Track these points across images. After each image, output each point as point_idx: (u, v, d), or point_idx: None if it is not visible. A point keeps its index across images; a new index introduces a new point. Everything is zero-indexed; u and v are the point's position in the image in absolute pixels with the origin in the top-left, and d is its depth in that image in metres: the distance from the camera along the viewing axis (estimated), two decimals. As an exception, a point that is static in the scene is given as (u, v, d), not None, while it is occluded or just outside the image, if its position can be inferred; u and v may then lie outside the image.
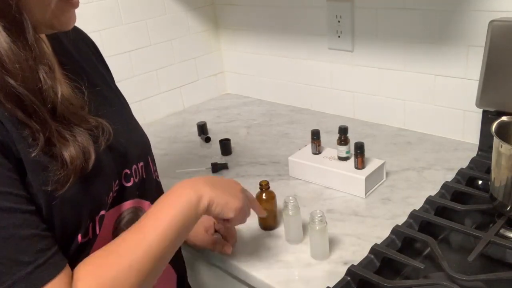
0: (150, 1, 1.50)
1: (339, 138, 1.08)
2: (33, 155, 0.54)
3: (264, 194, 0.94)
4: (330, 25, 1.37)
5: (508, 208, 0.84)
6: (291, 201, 0.88)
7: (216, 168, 1.21)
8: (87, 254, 0.63)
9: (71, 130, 0.59)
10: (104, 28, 1.40)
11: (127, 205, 0.72)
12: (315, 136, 1.13)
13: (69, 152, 0.56)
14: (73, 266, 0.59)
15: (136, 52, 1.50)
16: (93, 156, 0.60)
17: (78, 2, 0.61)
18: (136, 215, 0.74)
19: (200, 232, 0.91)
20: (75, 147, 0.57)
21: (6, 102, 0.53)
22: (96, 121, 0.63)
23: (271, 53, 1.59)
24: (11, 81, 0.52)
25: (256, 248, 0.92)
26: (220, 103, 1.73)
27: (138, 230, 0.63)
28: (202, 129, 1.44)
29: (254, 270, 0.86)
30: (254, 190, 0.97)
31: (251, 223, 0.98)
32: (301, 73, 1.53)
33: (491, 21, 1.00)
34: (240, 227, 0.97)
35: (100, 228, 0.65)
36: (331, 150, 1.14)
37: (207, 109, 1.69)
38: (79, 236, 0.61)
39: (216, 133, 1.45)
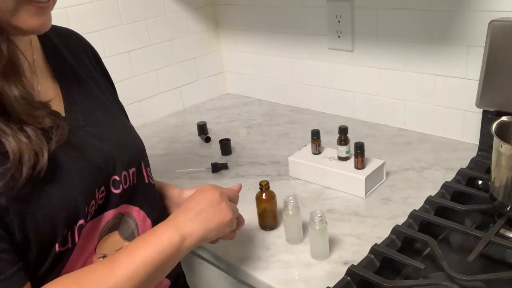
0: (150, 1, 1.50)
1: (339, 138, 1.08)
2: None
3: (264, 194, 0.94)
4: (330, 25, 1.37)
5: (508, 208, 0.84)
6: (291, 201, 0.88)
7: (216, 168, 1.21)
8: (65, 262, 0.62)
9: (20, 127, 0.58)
10: (104, 28, 1.40)
11: (112, 213, 0.71)
12: (315, 136, 1.13)
13: (11, 145, 0.55)
14: (52, 276, 0.59)
15: (136, 52, 1.50)
16: (45, 154, 0.58)
17: (48, 6, 0.60)
18: (125, 221, 0.73)
19: None
20: (17, 141, 0.56)
21: None
22: (53, 121, 0.62)
23: (271, 53, 1.59)
24: None
25: (256, 248, 0.92)
26: (220, 103, 1.73)
27: (110, 264, 0.61)
28: (202, 129, 1.44)
29: (254, 270, 0.86)
30: (254, 190, 0.97)
31: (251, 223, 0.98)
32: (301, 73, 1.53)
33: (491, 21, 1.00)
34: (240, 227, 0.97)
35: (79, 238, 0.64)
36: (331, 150, 1.14)
37: (207, 109, 1.69)
38: (57, 245, 0.60)
39: (216, 133, 1.45)
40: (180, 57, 1.64)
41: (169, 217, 0.70)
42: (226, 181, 1.17)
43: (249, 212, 1.01)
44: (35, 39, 0.70)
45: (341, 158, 1.09)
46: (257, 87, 1.71)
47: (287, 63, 1.56)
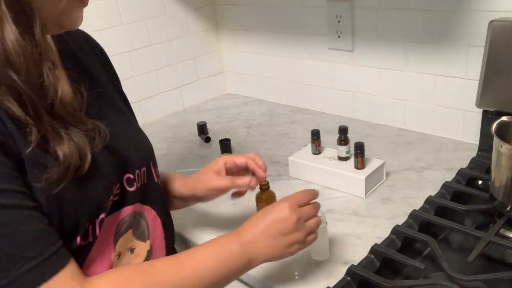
0: (150, 1, 1.50)
1: (339, 138, 1.08)
2: (28, 150, 0.54)
3: (264, 194, 0.94)
4: (330, 25, 1.37)
5: (508, 208, 0.84)
6: (291, 201, 0.88)
7: (216, 168, 1.21)
8: (86, 257, 0.63)
9: (67, 130, 0.58)
10: (104, 28, 1.40)
11: (129, 209, 0.71)
12: (315, 136, 1.13)
13: (63, 150, 0.56)
14: None
15: (136, 52, 1.50)
16: (89, 157, 0.59)
17: (88, 1, 0.61)
18: (137, 220, 0.73)
19: (212, 178, 0.87)
20: (70, 146, 0.57)
21: (4, 96, 0.53)
22: (93, 123, 0.63)
23: (271, 53, 1.59)
24: (13, 75, 0.52)
25: (256, 248, 0.92)
26: (220, 103, 1.73)
27: (179, 264, 0.65)
28: (202, 129, 1.44)
29: (254, 270, 0.86)
30: (254, 190, 0.97)
31: (251, 223, 0.98)
32: (301, 73, 1.53)
33: (491, 21, 1.00)
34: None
35: (100, 231, 0.65)
36: (331, 150, 1.14)
37: (207, 109, 1.69)
38: (78, 238, 0.61)
39: (216, 133, 1.45)
40: (180, 57, 1.64)
41: (241, 233, 0.71)
42: (226, 181, 1.17)
43: (249, 212, 1.01)
44: (49, 38, 0.69)
45: (341, 158, 1.09)
46: (257, 87, 1.71)
47: (287, 63, 1.56)
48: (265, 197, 0.94)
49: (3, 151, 0.53)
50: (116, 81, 0.85)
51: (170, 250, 0.83)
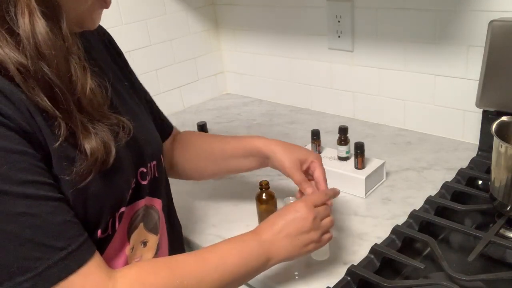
0: (150, 1, 1.50)
1: (339, 138, 1.08)
2: (56, 144, 0.55)
3: (264, 194, 0.94)
4: (330, 25, 1.37)
5: (508, 208, 0.84)
6: (291, 201, 0.88)
7: (216, 168, 1.21)
8: (104, 250, 0.64)
9: (93, 124, 0.59)
10: (104, 28, 1.40)
11: (141, 203, 0.72)
12: (315, 136, 1.13)
13: (90, 145, 0.57)
14: None
15: (136, 52, 1.50)
16: (113, 151, 0.60)
17: (110, 2, 0.62)
18: (149, 213, 0.74)
19: (289, 165, 0.85)
20: (96, 140, 0.58)
21: (35, 88, 0.53)
22: (117, 118, 0.63)
23: (271, 53, 1.59)
24: (45, 67, 0.53)
25: (256, 248, 0.92)
26: (220, 103, 1.73)
27: (201, 260, 0.66)
28: (202, 129, 1.44)
29: (254, 270, 0.86)
30: (254, 190, 0.97)
31: (251, 223, 0.98)
32: (301, 73, 1.53)
33: (491, 21, 1.00)
34: (239, 228, 0.97)
35: (119, 224, 0.66)
36: (331, 150, 1.14)
37: (207, 109, 1.69)
38: (99, 232, 0.62)
39: (216, 133, 1.45)
40: (180, 57, 1.64)
41: (259, 233, 0.72)
42: (226, 181, 1.17)
43: (249, 212, 1.01)
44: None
45: (341, 158, 1.09)
46: (257, 87, 1.71)
47: (287, 63, 1.56)
48: (265, 197, 0.94)
49: (31, 143, 0.53)
50: (125, 69, 0.84)
51: (176, 247, 0.83)
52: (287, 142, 0.89)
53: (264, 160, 0.90)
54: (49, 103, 0.54)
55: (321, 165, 0.86)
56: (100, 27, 0.81)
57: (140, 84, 0.90)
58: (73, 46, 0.56)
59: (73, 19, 0.59)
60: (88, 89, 0.57)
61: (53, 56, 0.53)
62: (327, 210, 0.77)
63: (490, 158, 0.87)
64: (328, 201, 0.79)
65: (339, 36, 1.36)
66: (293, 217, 0.73)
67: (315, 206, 0.75)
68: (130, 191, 0.69)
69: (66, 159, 0.56)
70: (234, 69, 1.77)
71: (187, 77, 1.68)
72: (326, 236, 0.77)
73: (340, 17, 1.33)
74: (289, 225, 0.72)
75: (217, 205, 1.07)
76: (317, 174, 0.85)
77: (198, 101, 1.75)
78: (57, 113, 0.55)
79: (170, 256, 0.66)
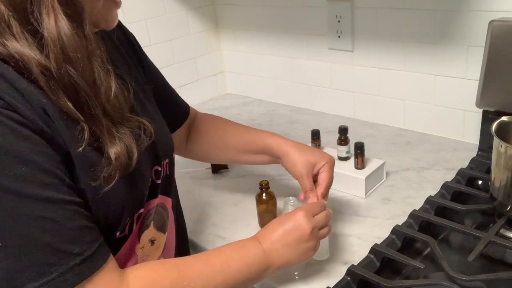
0: (150, 1, 1.50)
1: (339, 138, 1.08)
2: (80, 149, 0.54)
3: (264, 194, 0.94)
4: (330, 25, 1.37)
5: (508, 208, 0.84)
6: (291, 201, 0.88)
7: (216, 168, 1.21)
8: (119, 249, 0.64)
9: (116, 128, 0.58)
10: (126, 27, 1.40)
11: (155, 202, 0.72)
12: (315, 136, 1.13)
13: (115, 149, 0.56)
14: None
15: (136, 52, 1.50)
16: (135, 155, 0.59)
17: (121, 1, 0.61)
18: (159, 212, 0.74)
19: (300, 168, 0.86)
20: (121, 145, 0.57)
21: (58, 91, 0.52)
22: (138, 120, 0.62)
23: (271, 53, 1.59)
24: (71, 70, 0.52)
25: (256, 248, 0.92)
26: (220, 103, 1.73)
27: (207, 263, 0.66)
28: (202, 129, 1.44)
29: (254, 270, 0.86)
30: (254, 190, 0.97)
31: (251, 223, 0.98)
32: (301, 73, 1.53)
33: (491, 21, 1.00)
34: (239, 227, 0.97)
35: (136, 225, 0.66)
36: (331, 150, 1.14)
37: (207, 109, 1.68)
38: (117, 233, 0.62)
39: (216, 133, 1.45)
40: (180, 57, 1.64)
41: (259, 240, 0.72)
42: (226, 181, 1.17)
43: (249, 212, 1.01)
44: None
45: (341, 158, 1.09)
46: (257, 87, 1.71)
47: (287, 63, 1.56)
48: (265, 197, 0.94)
49: (51, 145, 0.52)
50: (139, 64, 0.83)
51: (182, 246, 0.83)
52: (301, 143, 0.89)
53: (276, 159, 0.90)
54: (72, 107, 0.53)
55: (330, 169, 0.85)
56: (120, 25, 0.80)
57: (155, 68, 0.88)
58: (96, 49, 0.55)
59: (88, 19, 0.58)
60: (112, 92, 0.56)
61: (78, 59, 0.52)
62: (327, 219, 0.78)
63: (490, 158, 0.87)
64: (329, 210, 0.79)
65: (339, 36, 1.36)
66: (292, 226, 0.73)
67: (314, 215, 0.76)
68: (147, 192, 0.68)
69: (91, 164, 0.55)
70: (234, 69, 1.77)
71: (187, 77, 1.68)
72: (323, 231, 0.78)
73: (340, 17, 1.33)
74: (289, 234, 0.73)
75: (217, 205, 1.07)
76: (321, 176, 0.85)
77: (198, 101, 1.74)
78: (81, 117, 0.53)
79: (178, 258, 0.66)
